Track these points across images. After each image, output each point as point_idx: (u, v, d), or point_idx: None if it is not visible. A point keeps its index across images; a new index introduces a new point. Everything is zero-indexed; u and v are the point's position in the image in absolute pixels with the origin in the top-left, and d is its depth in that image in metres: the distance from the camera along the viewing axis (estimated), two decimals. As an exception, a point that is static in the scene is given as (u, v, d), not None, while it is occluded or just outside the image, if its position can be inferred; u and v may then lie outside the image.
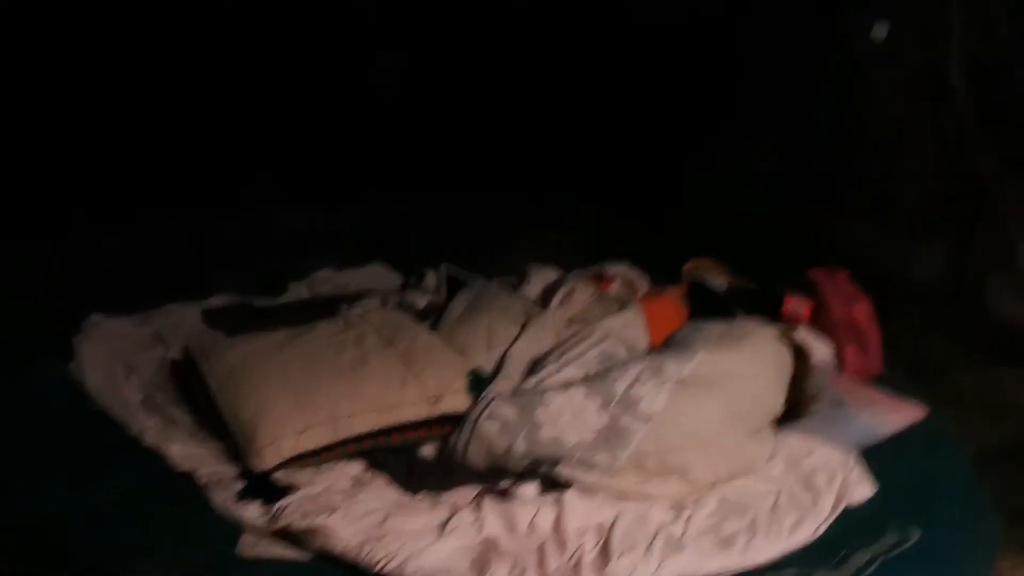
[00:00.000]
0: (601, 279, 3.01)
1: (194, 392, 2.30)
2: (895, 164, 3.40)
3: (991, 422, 2.72)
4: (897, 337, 2.95)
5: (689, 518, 1.99)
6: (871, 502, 2.09)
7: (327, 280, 3.22)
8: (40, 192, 3.48)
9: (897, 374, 2.76)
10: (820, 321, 2.78)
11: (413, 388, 2.21)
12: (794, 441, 2.28)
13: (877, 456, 2.24)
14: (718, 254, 3.38)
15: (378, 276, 3.29)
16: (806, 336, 2.57)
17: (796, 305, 2.75)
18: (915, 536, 1.96)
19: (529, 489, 2.03)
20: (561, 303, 2.74)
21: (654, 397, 2.15)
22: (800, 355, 2.44)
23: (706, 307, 2.78)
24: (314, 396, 2.13)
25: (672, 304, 2.77)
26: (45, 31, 3.78)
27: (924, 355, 3.01)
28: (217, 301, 2.92)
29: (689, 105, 4.32)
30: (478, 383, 2.29)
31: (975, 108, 2.87)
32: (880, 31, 2.67)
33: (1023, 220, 2.93)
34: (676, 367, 2.25)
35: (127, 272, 3.08)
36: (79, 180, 3.65)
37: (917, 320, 3.07)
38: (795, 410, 2.41)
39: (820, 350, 2.71)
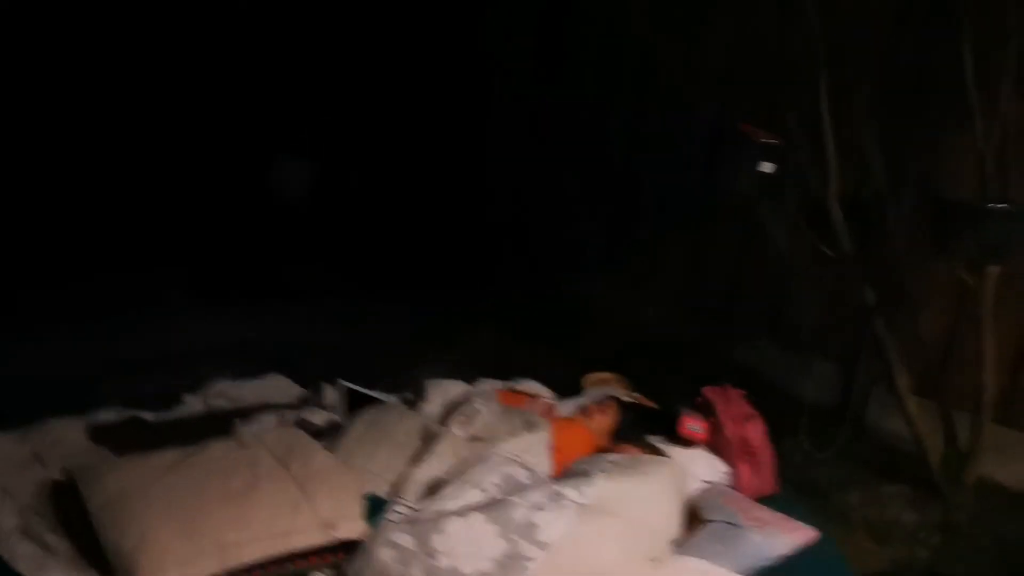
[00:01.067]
0: (515, 394, 3.03)
1: (74, 518, 2.18)
2: (790, 288, 3.58)
3: (876, 543, 2.80)
4: (788, 455, 3.04)
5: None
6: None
7: (222, 392, 3.13)
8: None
9: (788, 493, 2.84)
10: (715, 440, 2.84)
11: (307, 514, 2.15)
12: (689, 564, 2.30)
13: (769, 578, 2.28)
14: (614, 368, 3.46)
15: (276, 388, 3.23)
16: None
17: (692, 425, 2.81)
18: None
19: (425, 620, 1.98)
20: (461, 423, 2.73)
21: (552, 524, 2.15)
22: None
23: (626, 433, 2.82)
24: (200, 523, 2.05)
25: (581, 428, 2.79)
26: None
27: (813, 474, 3.10)
28: (106, 416, 2.81)
29: (597, 232, 4.48)
30: (375, 508, 2.25)
31: (854, 241, 3.05)
32: (767, 166, 2.85)
33: (902, 344, 3.09)
34: (575, 493, 2.26)
35: (6, 385, 2.93)
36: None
37: (806, 439, 3.17)
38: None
39: (715, 469, 2.77)
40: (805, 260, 3.32)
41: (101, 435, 2.67)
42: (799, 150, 2.93)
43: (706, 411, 2.91)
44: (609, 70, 4.51)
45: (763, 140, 2.87)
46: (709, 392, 2.96)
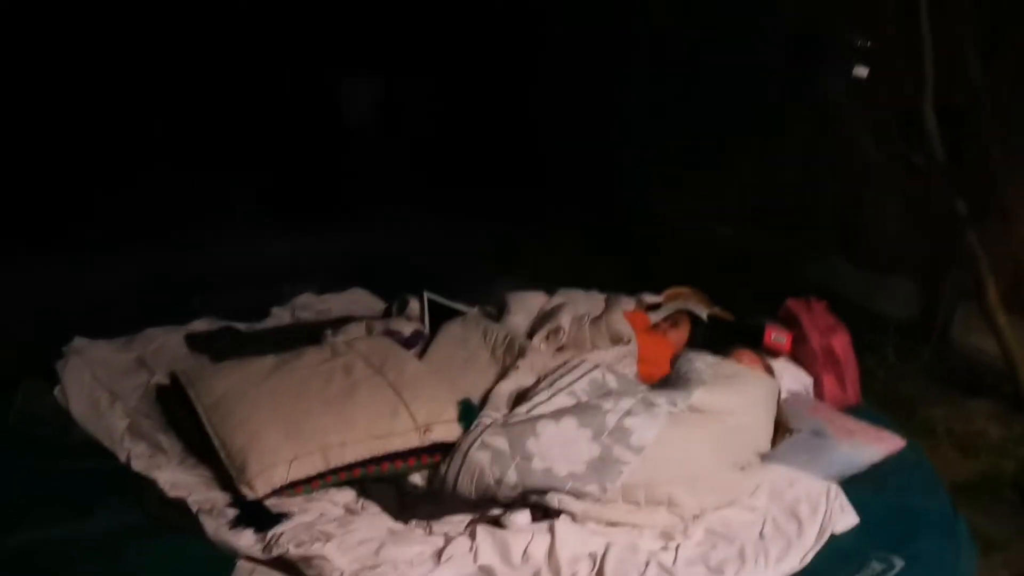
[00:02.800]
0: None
1: (181, 419, 2.28)
2: (868, 201, 3.50)
3: (962, 454, 2.79)
4: (871, 370, 3.03)
5: (678, 547, 2.03)
6: (855, 532, 2.14)
7: (308, 305, 3.21)
8: (23, 222, 3.45)
9: (871, 406, 2.83)
10: (799, 351, 2.83)
11: (404, 417, 2.21)
12: (777, 471, 2.32)
13: (858, 486, 2.29)
14: (692, 283, 3.45)
15: (359, 301, 3.29)
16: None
17: (777, 336, 2.80)
18: (899, 566, 2.00)
19: (521, 517, 2.04)
20: (547, 338, 2.76)
21: (646, 430, 2.18)
22: None
23: (700, 339, 2.82)
24: (304, 425, 2.13)
25: (668, 344, 2.80)
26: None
27: (897, 388, 3.08)
28: (200, 325, 2.90)
29: (666, 142, 4.42)
30: (468, 413, 2.30)
31: (946, 150, 2.97)
32: (860, 71, 2.76)
33: (992, 258, 3.02)
34: (669, 402, 2.28)
35: (108, 300, 3.04)
36: (63, 211, 3.63)
37: (890, 353, 3.14)
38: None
39: (799, 380, 2.77)
40: (889, 171, 3.25)
41: (198, 343, 2.77)
42: (896, 55, 2.83)
43: (790, 323, 2.90)
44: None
45: (858, 43, 2.78)
46: (793, 304, 2.95)
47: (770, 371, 2.67)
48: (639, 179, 4.61)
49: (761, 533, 2.10)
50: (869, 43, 2.77)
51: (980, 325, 3.14)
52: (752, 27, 3.88)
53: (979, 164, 3.01)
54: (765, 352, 2.82)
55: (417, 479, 2.21)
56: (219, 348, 2.71)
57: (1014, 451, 2.80)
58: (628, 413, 2.22)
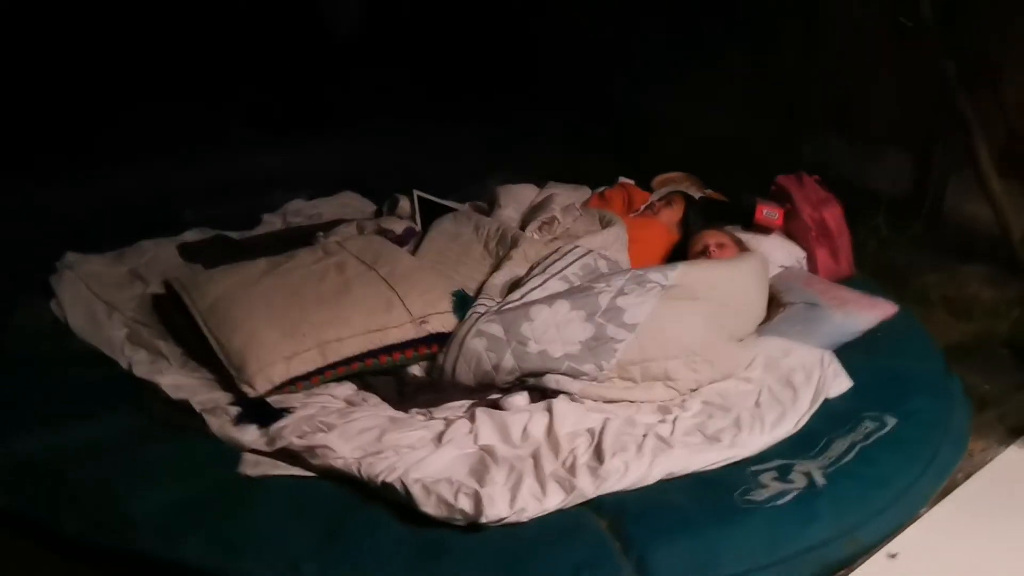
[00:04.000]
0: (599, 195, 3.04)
1: (179, 325, 2.30)
2: (859, 73, 3.44)
3: (956, 318, 2.81)
4: (864, 242, 3.03)
5: (675, 419, 2.07)
6: (848, 395, 2.18)
7: (299, 211, 3.21)
8: (12, 143, 3.41)
9: (865, 276, 2.84)
10: (792, 226, 2.83)
11: (399, 310, 2.23)
12: (772, 343, 2.35)
13: (852, 352, 2.32)
14: (684, 166, 3.43)
15: (349, 204, 3.29)
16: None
17: (768, 212, 2.79)
18: (891, 424, 2.04)
19: (519, 399, 2.08)
20: (539, 230, 2.76)
21: (638, 307, 2.20)
22: None
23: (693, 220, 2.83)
24: (300, 322, 2.15)
25: (655, 223, 2.81)
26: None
27: (890, 258, 3.08)
28: (192, 235, 2.90)
29: (657, 21, 4.32)
30: (462, 303, 2.31)
31: (935, 10, 2.90)
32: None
33: (984, 123, 2.98)
34: (659, 276, 2.30)
35: (99, 214, 3.04)
36: (49, 129, 3.59)
37: (882, 224, 3.14)
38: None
39: (792, 255, 2.78)
40: (879, 38, 3.18)
41: (191, 252, 2.77)
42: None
43: (781, 198, 2.89)
44: None
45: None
46: (783, 179, 2.93)
47: (741, 245, 2.69)
48: (625, 67, 4.52)
49: (757, 402, 2.14)
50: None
51: (973, 193, 3.12)
52: None
53: (969, 24, 2.93)
54: (757, 228, 2.82)
55: (416, 370, 2.25)
56: (212, 256, 2.71)
57: (1008, 312, 2.81)
58: (620, 292, 2.23)
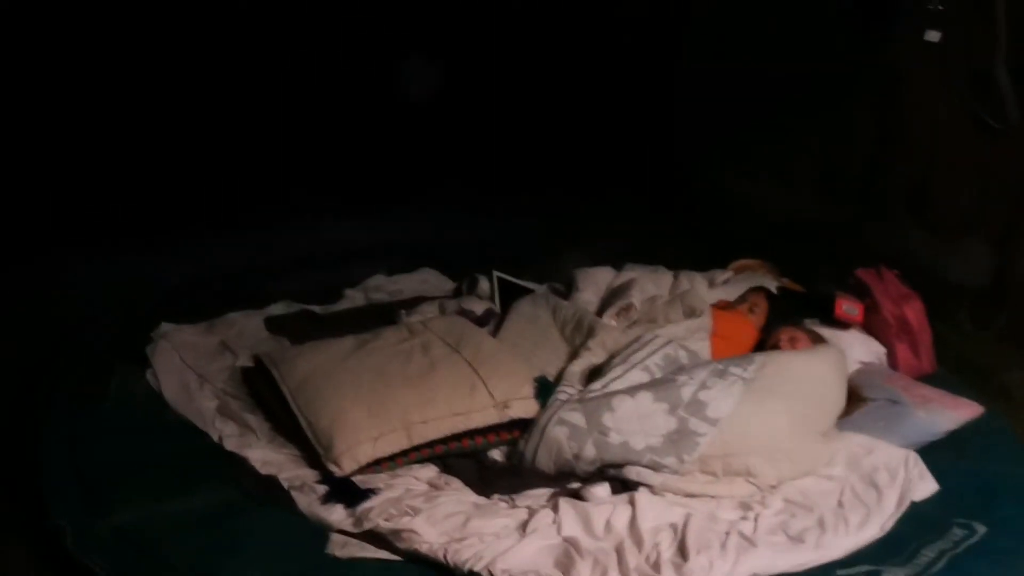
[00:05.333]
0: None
1: (267, 399, 2.37)
2: (940, 164, 3.44)
3: (1042, 420, 2.75)
4: (945, 337, 2.99)
5: (757, 517, 2.05)
6: (935, 499, 2.14)
7: (380, 287, 3.28)
8: (107, 215, 3.58)
9: (947, 373, 2.80)
10: (872, 321, 2.82)
11: (482, 394, 2.27)
12: (854, 440, 2.33)
13: (937, 453, 2.29)
14: (758, 254, 3.44)
15: (429, 281, 3.36)
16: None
17: (849, 307, 2.78)
18: (981, 531, 2.00)
19: (601, 490, 2.09)
20: (614, 316, 2.79)
21: (721, 401, 2.20)
22: None
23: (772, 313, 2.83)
24: (387, 403, 2.20)
25: (742, 319, 2.81)
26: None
27: (972, 355, 3.04)
28: (277, 309, 2.99)
29: (725, 108, 4.38)
30: (545, 389, 2.34)
31: (1020, 110, 2.91)
32: (933, 35, 2.71)
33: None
34: (740, 371, 2.30)
35: (189, 287, 3.16)
36: (141, 202, 3.77)
37: (964, 320, 3.10)
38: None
39: (872, 350, 2.76)
40: (961, 132, 3.18)
41: (277, 326, 2.85)
42: (968, 16, 2.77)
43: (860, 292, 2.88)
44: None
45: (929, 6, 2.73)
46: (863, 273, 2.93)
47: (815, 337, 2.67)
48: (701, 151, 4.58)
49: (840, 501, 2.12)
50: (941, 5, 2.70)
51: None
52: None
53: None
54: (836, 323, 2.81)
55: (496, 455, 2.28)
56: (297, 330, 2.79)
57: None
58: (703, 386, 2.24)
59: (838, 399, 2.40)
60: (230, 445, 2.24)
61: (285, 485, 2.08)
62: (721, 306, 2.89)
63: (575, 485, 2.13)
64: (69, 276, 3.24)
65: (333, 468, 2.09)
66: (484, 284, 3.09)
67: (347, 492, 2.03)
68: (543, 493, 2.10)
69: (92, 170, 3.86)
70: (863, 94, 3.71)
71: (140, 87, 4.08)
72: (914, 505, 2.11)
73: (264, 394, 2.39)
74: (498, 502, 2.07)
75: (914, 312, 2.78)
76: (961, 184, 3.47)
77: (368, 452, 2.12)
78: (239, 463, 2.17)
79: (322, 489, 2.05)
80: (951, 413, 2.42)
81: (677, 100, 4.77)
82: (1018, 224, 3.28)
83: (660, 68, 4.79)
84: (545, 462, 2.18)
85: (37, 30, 3.82)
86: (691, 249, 3.60)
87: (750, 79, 4.26)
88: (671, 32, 4.79)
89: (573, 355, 2.55)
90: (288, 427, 2.26)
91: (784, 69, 4.03)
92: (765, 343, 2.70)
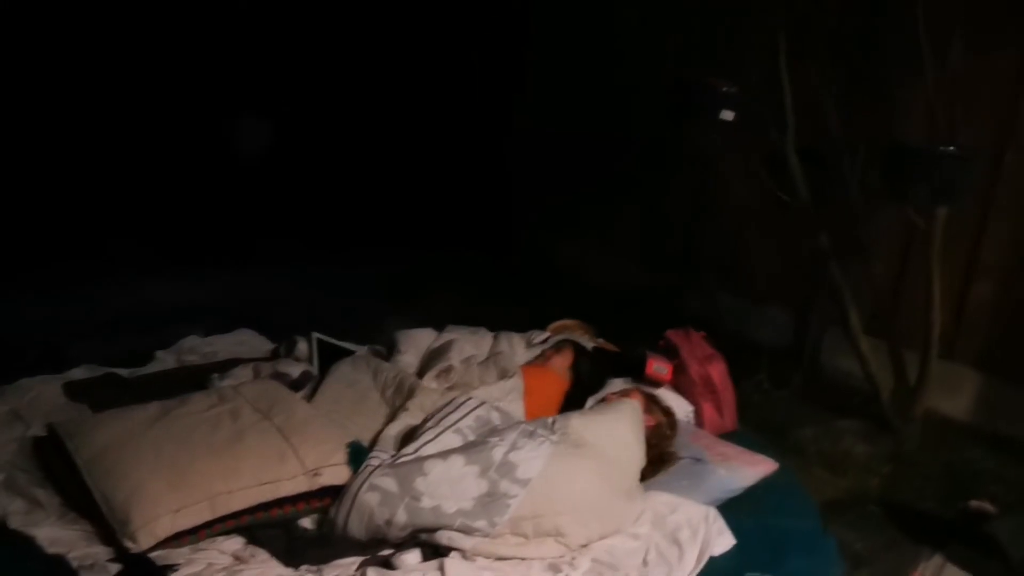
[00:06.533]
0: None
1: (59, 473, 2.22)
2: (744, 237, 3.69)
3: (831, 473, 2.95)
4: (747, 395, 3.18)
5: (566, 578, 2.08)
6: (731, 553, 2.25)
7: (194, 348, 3.16)
8: None
9: (748, 430, 2.97)
10: (679, 380, 2.96)
11: (292, 462, 2.21)
12: (659, 499, 2.41)
13: (735, 508, 2.40)
14: (580, 316, 3.55)
15: (246, 343, 3.26)
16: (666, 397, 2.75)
17: (659, 366, 2.91)
18: (771, 585, 2.11)
19: (411, 557, 2.07)
20: (437, 377, 2.80)
21: (531, 463, 2.24)
22: (669, 415, 2.62)
23: (588, 372, 2.91)
24: (189, 475, 2.10)
25: (549, 373, 2.88)
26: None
27: (771, 412, 3.24)
28: (79, 373, 2.82)
29: (556, 173, 4.55)
30: (358, 455, 2.31)
31: (810, 190, 3.17)
32: (727, 114, 2.93)
33: (853, 288, 3.22)
34: (548, 432, 2.35)
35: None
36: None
37: (764, 379, 3.30)
38: (657, 467, 2.56)
39: (680, 408, 2.89)
40: (762, 208, 3.43)
41: (78, 392, 2.69)
42: (760, 101, 3.02)
43: (670, 352, 3.02)
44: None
45: (724, 89, 2.95)
46: (672, 334, 3.07)
47: (656, 404, 2.77)
48: (533, 214, 4.73)
49: (645, 560, 2.19)
50: (735, 88, 2.93)
51: (846, 349, 3.33)
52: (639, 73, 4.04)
53: (840, 203, 3.21)
54: (647, 382, 2.93)
55: (307, 523, 2.22)
56: (100, 395, 2.65)
57: (878, 468, 2.99)
58: (513, 447, 2.27)
59: (639, 456, 2.48)
60: (15, 523, 2.07)
61: (74, 564, 1.94)
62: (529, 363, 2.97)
63: (386, 552, 2.11)
64: None
65: (129, 544, 1.98)
66: (303, 346, 3.04)
67: (143, 570, 1.92)
68: (352, 562, 2.06)
69: None
70: (680, 167, 3.95)
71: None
72: (712, 560, 2.20)
73: (57, 467, 2.24)
74: (305, 574, 2.01)
75: (718, 372, 2.94)
76: (763, 254, 3.74)
77: (167, 526, 2.02)
78: (24, 542, 2.01)
79: (115, 568, 1.93)
80: (748, 471, 2.57)
81: (511, 161, 4.91)
82: (812, 291, 3.56)
83: (495, 128, 4.92)
84: (357, 528, 2.14)
85: None
86: (516, 312, 3.67)
87: (580, 145, 4.46)
88: (506, 94, 4.94)
89: (391, 418, 2.53)
90: (82, 502, 2.12)
91: (610, 138, 4.25)
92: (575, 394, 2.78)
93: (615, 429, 2.46)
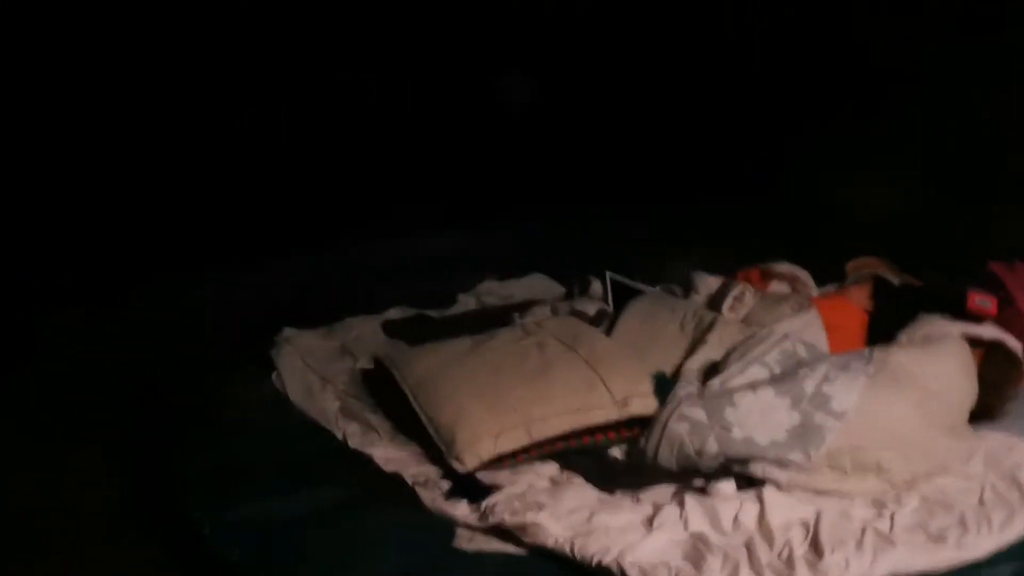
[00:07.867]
0: (765, 276, 3.00)
1: (388, 399, 2.41)
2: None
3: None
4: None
5: (893, 515, 1.97)
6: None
7: (492, 291, 3.32)
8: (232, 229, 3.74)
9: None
10: (1005, 315, 2.69)
11: (601, 391, 2.25)
12: (993, 438, 2.23)
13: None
14: (874, 252, 3.32)
15: (540, 286, 3.38)
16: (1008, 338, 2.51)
17: (981, 301, 2.65)
18: None
19: (727, 486, 2.04)
20: (732, 307, 2.74)
21: (845, 395, 2.13)
22: (1011, 359, 2.42)
23: (891, 306, 2.73)
24: (506, 400, 2.20)
25: (849, 305, 2.73)
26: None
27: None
28: (395, 313, 3.05)
29: (834, 105, 4.28)
30: (663, 386, 2.31)
31: None
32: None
33: None
34: (862, 364, 2.23)
35: (308, 293, 3.25)
36: (254, 217, 3.93)
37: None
38: (990, 411, 2.36)
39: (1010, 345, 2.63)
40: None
41: (394, 329, 2.91)
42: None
43: (994, 286, 2.75)
44: None
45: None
46: (996, 266, 2.80)
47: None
48: (803, 157, 4.48)
49: (981, 500, 2.02)
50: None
51: None
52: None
53: None
54: (968, 317, 2.68)
55: (617, 453, 2.25)
56: (414, 333, 2.84)
57: None
58: (825, 379, 2.18)
59: (968, 394, 2.30)
60: (353, 443, 2.28)
61: (410, 481, 2.10)
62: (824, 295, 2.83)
63: (699, 482, 2.09)
64: (192, 293, 3.40)
65: (456, 465, 2.11)
66: (596, 286, 3.09)
67: (471, 488, 2.04)
68: (668, 489, 2.07)
69: (204, 197, 4.04)
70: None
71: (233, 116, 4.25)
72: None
73: (385, 394, 2.43)
74: (622, 498, 2.05)
75: (1051, 305, 2.64)
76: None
77: (490, 448, 2.12)
78: (363, 461, 2.20)
79: (446, 485, 2.07)
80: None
81: (770, 99, 4.67)
82: None
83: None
84: (667, 458, 2.14)
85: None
86: (788, 253, 3.50)
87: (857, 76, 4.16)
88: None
89: (690, 351, 2.51)
90: (410, 425, 2.29)
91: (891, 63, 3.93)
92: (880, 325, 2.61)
93: (939, 364, 2.29)
